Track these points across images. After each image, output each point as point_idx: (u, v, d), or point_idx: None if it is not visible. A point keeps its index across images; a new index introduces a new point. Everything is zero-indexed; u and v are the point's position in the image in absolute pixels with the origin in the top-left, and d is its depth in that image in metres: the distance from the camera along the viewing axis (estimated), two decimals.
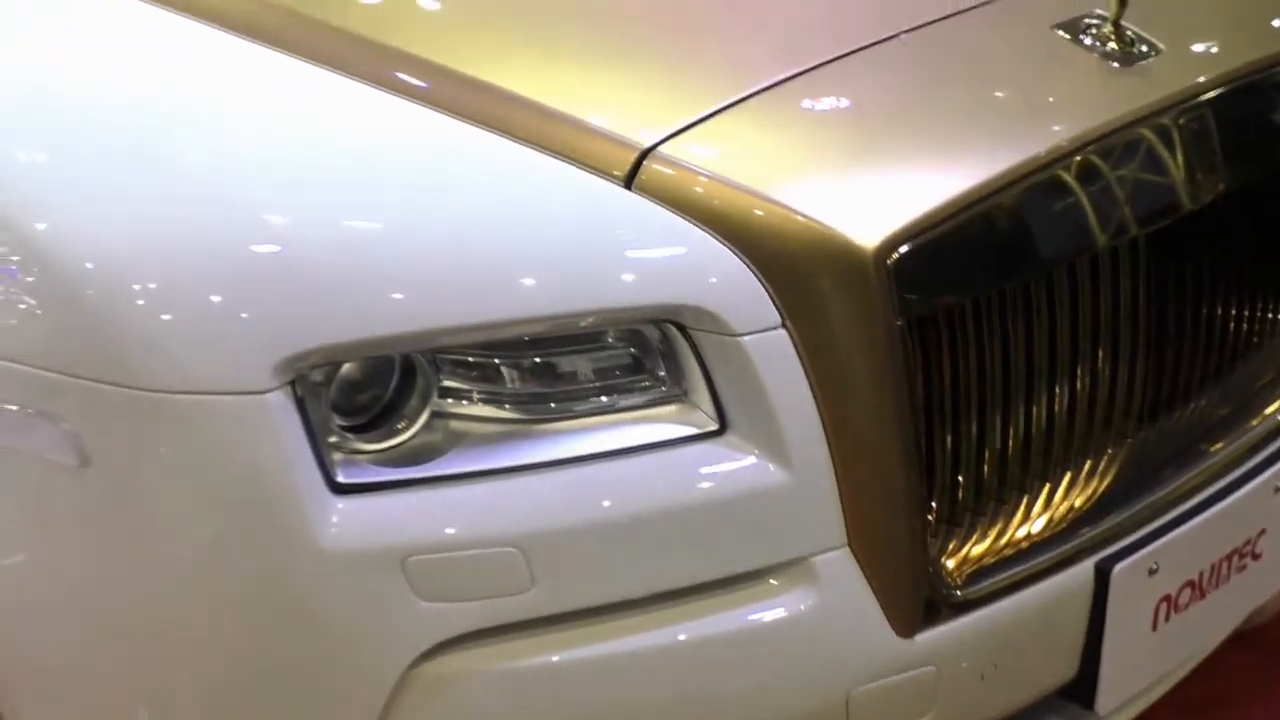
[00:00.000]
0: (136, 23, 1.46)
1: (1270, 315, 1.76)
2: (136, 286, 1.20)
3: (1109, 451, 1.57)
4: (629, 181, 1.31)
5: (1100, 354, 1.51)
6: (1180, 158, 1.48)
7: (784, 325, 1.29)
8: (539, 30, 1.49)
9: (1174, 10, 1.56)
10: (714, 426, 1.32)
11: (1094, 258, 1.46)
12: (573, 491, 1.28)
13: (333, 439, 1.24)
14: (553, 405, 1.31)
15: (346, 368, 1.26)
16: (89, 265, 1.21)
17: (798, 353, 1.30)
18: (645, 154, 1.32)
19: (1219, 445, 1.66)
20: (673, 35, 1.50)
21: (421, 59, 1.40)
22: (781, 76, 1.41)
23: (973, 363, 1.40)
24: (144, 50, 1.44)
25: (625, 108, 1.39)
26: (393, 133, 1.35)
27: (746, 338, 1.29)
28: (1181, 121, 1.48)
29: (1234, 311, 1.68)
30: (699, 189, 1.30)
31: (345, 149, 1.33)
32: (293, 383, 1.21)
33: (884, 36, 1.47)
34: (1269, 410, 1.70)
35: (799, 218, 1.29)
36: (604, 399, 1.32)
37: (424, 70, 1.39)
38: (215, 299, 1.20)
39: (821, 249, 1.29)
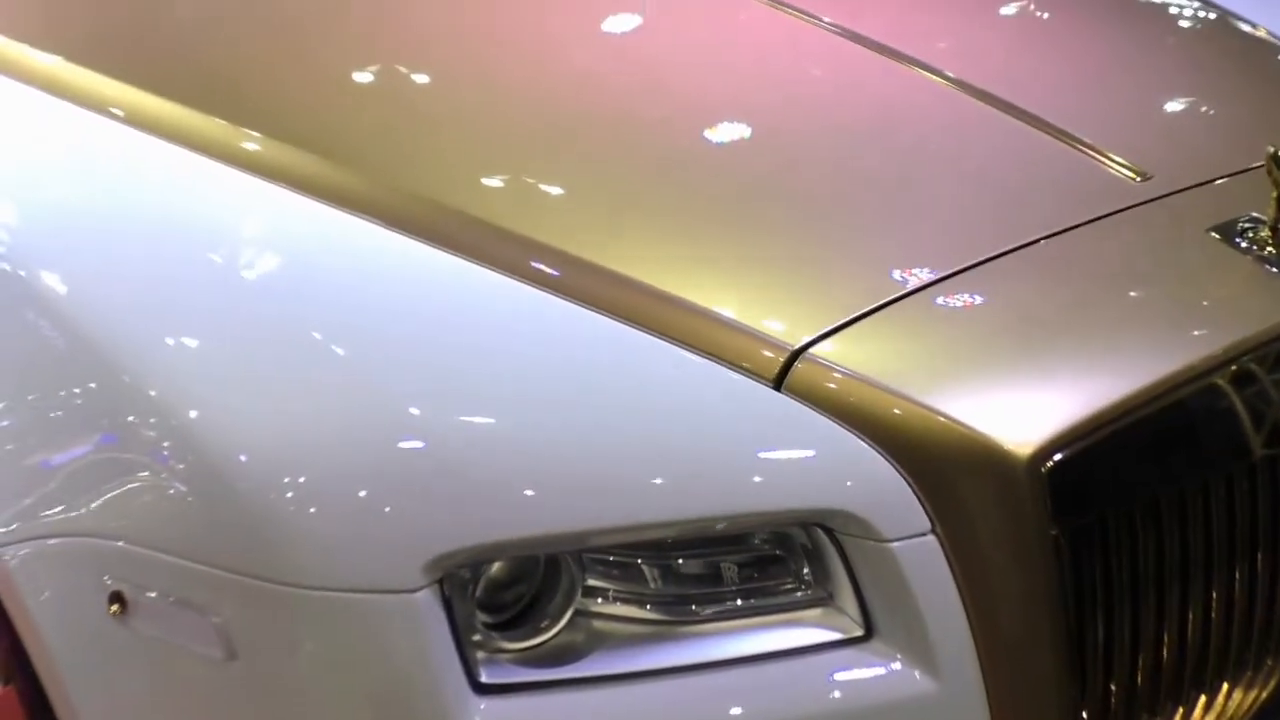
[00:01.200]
0: (279, 208, 1.49)
1: None
2: (286, 480, 1.22)
3: (1270, 660, 1.51)
4: (779, 382, 1.30)
5: (1259, 558, 1.46)
6: None
7: (934, 531, 1.27)
8: (689, 224, 1.50)
9: None
10: (860, 632, 1.29)
11: (1251, 465, 1.42)
12: (715, 698, 1.26)
13: (477, 638, 1.24)
14: (695, 607, 1.29)
15: (494, 566, 1.26)
16: (242, 458, 1.23)
17: (948, 560, 1.27)
18: (796, 355, 1.31)
19: None
20: (824, 231, 1.50)
21: (570, 254, 1.41)
22: (934, 277, 1.40)
23: (1126, 569, 1.36)
24: (286, 235, 1.47)
25: (776, 306, 1.39)
26: (540, 328, 1.36)
27: (895, 544, 1.26)
28: None
29: None
30: (849, 391, 1.29)
31: (492, 344, 1.34)
32: (440, 581, 1.21)
33: (1037, 237, 1.46)
34: None
35: (950, 423, 1.27)
36: (747, 601, 1.30)
37: (572, 265, 1.40)
38: (363, 495, 1.21)
39: (974, 455, 1.27)
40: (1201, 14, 2.14)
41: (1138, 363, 1.37)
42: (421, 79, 1.76)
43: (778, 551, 1.30)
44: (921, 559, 1.27)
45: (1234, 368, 1.39)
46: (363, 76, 1.75)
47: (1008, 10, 2.06)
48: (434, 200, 1.49)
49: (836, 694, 1.27)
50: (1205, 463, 1.41)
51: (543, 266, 1.41)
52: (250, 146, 1.56)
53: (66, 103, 1.63)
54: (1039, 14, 2.08)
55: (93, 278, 1.42)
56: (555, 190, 1.56)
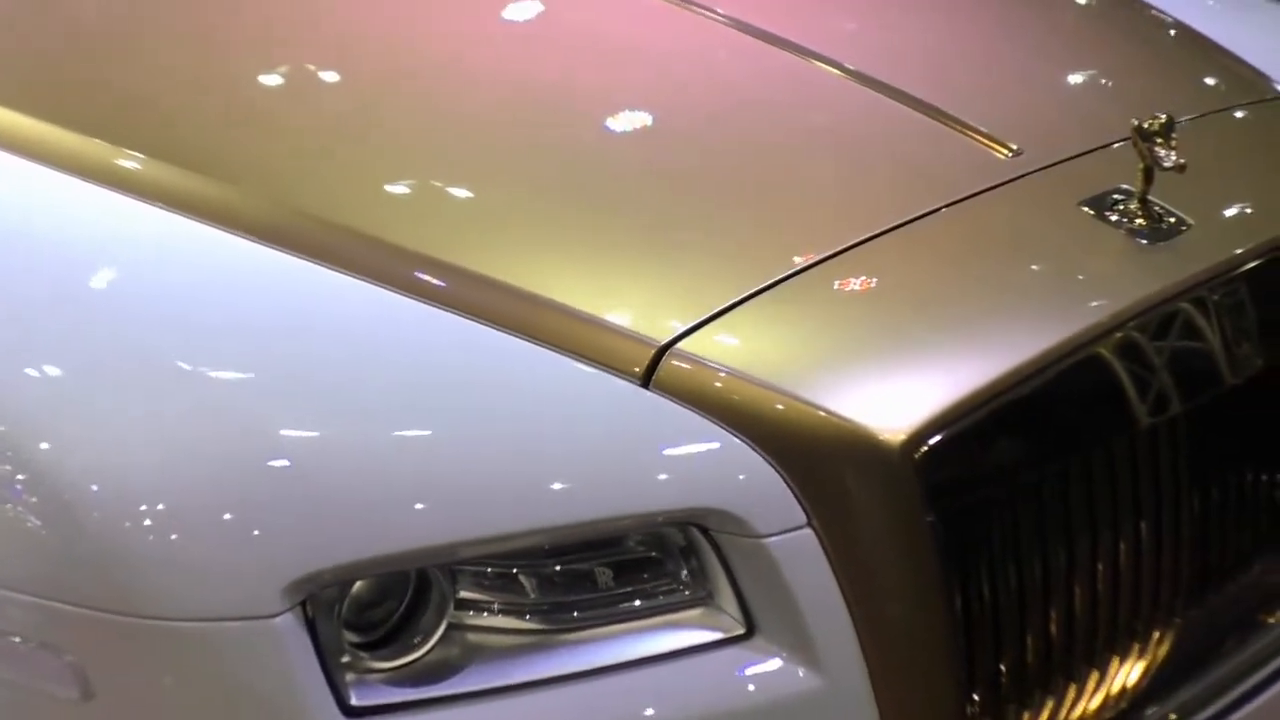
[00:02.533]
0: (134, 224, 1.44)
1: None
2: (143, 508, 1.17)
3: (1158, 631, 1.51)
4: (647, 380, 1.28)
5: (1143, 530, 1.46)
6: (1215, 335, 1.44)
7: (810, 524, 1.25)
8: (560, 223, 1.47)
9: (1203, 183, 1.52)
10: (741, 630, 1.27)
11: (1132, 436, 1.42)
12: (596, 705, 1.23)
13: (345, 659, 1.20)
14: (575, 614, 1.27)
15: (359, 584, 1.22)
16: (94, 488, 1.18)
17: (825, 552, 1.25)
18: (663, 351, 1.29)
19: (1276, 615, 1.60)
20: (695, 223, 1.48)
21: (434, 258, 1.38)
22: (802, 264, 1.38)
23: (1009, 549, 1.35)
24: (142, 252, 1.42)
25: (645, 303, 1.37)
26: (401, 335, 1.33)
27: (771, 539, 1.24)
28: (1214, 298, 1.45)
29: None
30: (719, 386, 1.27)
31: (351, 355, 1.30)
32: (303, 603, 1.17)
33: (905, 219, 1.44)
34: None
35: (822, 413, 1.26)
36: (626, 605, 1.27)
37: (436, 270, 1.37)
38: (223, 519, 1.17)
39: (846, 445, 1.25)
40: None
41: (1011, 341, 1.36)
42: (278, 85, 1.71)
43: (654, 553, 1.28)
44: (798, 553, 1.25)
45: (1109, 341, 1.38)
46: (225, 82, 1.70)
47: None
48: (292, 208, 1.45)
49: (718, 694, 1.26)
50: (1085, 438, 1.40)
51: (405, 272, 1.37)
52: (109, 160, 1.50)
53: None
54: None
55: None
56: (420, 194, 1.53)
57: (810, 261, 1.39)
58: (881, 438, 1.25)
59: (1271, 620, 1.60)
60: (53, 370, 1.29)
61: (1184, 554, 1.50)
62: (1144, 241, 1.45)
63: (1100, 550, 1.42)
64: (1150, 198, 1.47)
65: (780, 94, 1.68)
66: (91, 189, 1.47)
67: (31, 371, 1.29)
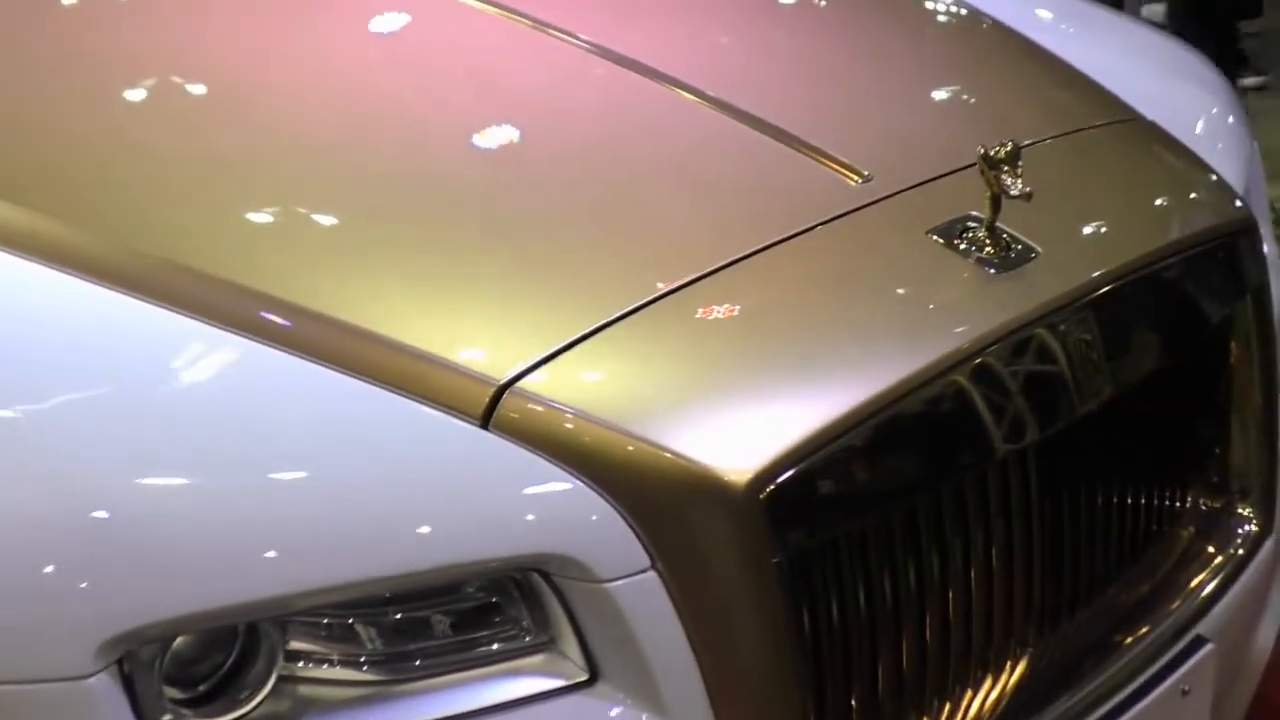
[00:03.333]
0: None
1: (1170, 503, 1.71)
2: None
3: (1012, 659, 1.51)
4: (486, 420, 1.24)
5: (994, 558, 1.45)
6: (1065, 364, 1.43)
7: (654, 567, 1.22)
8: (401, 254, 1.42)
9: (1052, 210, 1.51)
10: (584, 676, 1.24)
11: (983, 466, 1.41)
12: None
13: (167, 718, 1.15)
14: (413, 663, 1.23)
15: (181, 639, 1.17)
16: None
17: (670, 596, 1.22)
18: (502, 390, 1.25)
19: (1129, 639, 1.60)
20: (540, 253, 1.44)
21: (268, 295, 1.32)
22: (647, 298, 1.35)
23: (859, 581, 1.34)
24: None
25: (487, 339, 1.32)
26: (235, 379, 1.28)
27: (613, 584, 1.21)
28: (1063, 327, 1.44)
29: (1131, 501, 1.64)
30: (559, 425, 1.24)
31: (182, 401, 1.25)
32: (120, 661, 1.12)
33: (753, 249, 1.42)
34: (1173, 605, 1.65)
35: (664, 453, 1.22)
36: (466, 653, 1.23)
37: (271, 307, 1.31)
38: (35, 576, 1.11)
39: (689, 486, 1.22)
40: (944, 9, 2.13)
41: (861, 373, 1.34)
42: (109, 112, 1.63)
43: (494, 599, 1.24)
44: (642, 597, 1.22)
45: (959, 372, 1.37)
46: (51, 110, 1.62)
47: (737, 14, 2.02)
48: (119, 243, 1.39)
49: None
50: (936, 471, 1.39)
51: (239, 310, 1.31)
52: None
53: None
54: (769, 16, 2.04)
55: None
56: (259, 227, 1.47)
57: (656, 294, 1.35)
58: (726, 478, 1.22)
59: (1127, 642, 1.60)
60: None
61: (1037, 580, 1.50)
62: (992, 270, 1.44)
63: (951, 579, 1.41)
64: (999, 225, 1.46)
65: (635, 120, 1.65)
66: None
67: None
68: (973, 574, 1.43)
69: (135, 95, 1.67)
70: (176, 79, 1.71)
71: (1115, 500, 1.61)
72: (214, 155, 1.55)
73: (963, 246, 1.45)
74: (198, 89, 1.70)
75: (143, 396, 1.25)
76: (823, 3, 2.21)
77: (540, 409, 1.24)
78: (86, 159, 1.54)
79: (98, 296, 1.32)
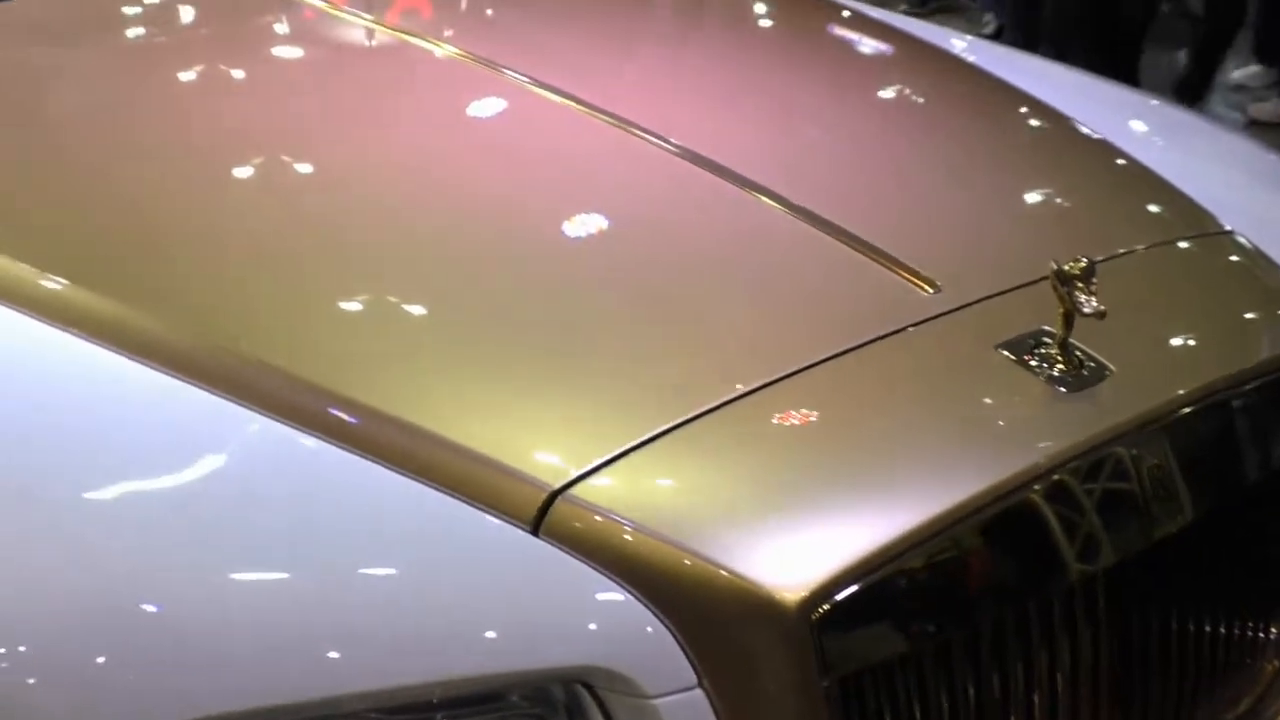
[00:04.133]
0: (36, 350, 1.39)
1: (1253, 634, 1.65)
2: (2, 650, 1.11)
3: None
4: (536, 527, 1.22)
5: (1058, 685, 1.40)
6: (1138, 487, 1.39)
7: (701, 685, 1.19)
8: (458, 351, 1.42)
9: (1130, 326, 1.47)
10: None
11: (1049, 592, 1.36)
12: None
13: None
14: None
15: None
16: None
17: (716, 714, 1.19)
18: (554, 496, 1.23)
19: None
20: (603, 355, 1.42)
21: (326, 389, 1.32)
22: (710, 405, 1.33)
23: (914, 708, 1.29)
24: (35, 381, 1.37)
25: (543, 441, 1.31)
26: (289, 474, 1.27)
27: (660, 700, 1.18)
28: (1136, 450, 1.40)
29: (1210, 629, 1.57)
30: (610, 535, 1.22)
31: (236, 495, 1.25)
32: None
33: (819, 358, 1.39)
34: None
35: (716, 569, 1.20)
36: None
37: (328, 401, 1.31)
38: (83, 666, 1.11)
39: (740, 603, 1.20)
40: (1022, 109, 2.10)
41: (924, 491, 1.31)
42: (176, 201, 1.64)
43: (538, 710, 1.22)
44: (687, 715, 1.19)
45: (1026, 494, 1.33)
46: (136, 198, 1.64)
47: (821, 114, 2.01)
48: (188, 330, 1.40)
49: None
50: (999, 596, 1.35)
51: (297, 403, 1.31)
52: (21, 280, 1.44)
53: None
54: (855, 116, 2.03)
55: None
56: (321, 320, 1.46)
57: (718, 402, 1.33)
58: (777, 596, 1.19)
59: None
60: None
61: (1104, 710, 1.45)
62: (1063, 389, 1.40)
63: (1013, 706, 1.36)
64: (1072, 341, 1.42)
65: (711, 223, 1.63)
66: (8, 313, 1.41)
67: None
68: (1036, 700, 1.38)
69: (218, 183, 1.68)
70: (259, 168, 1.73)
71: (1192, 627, 1.55)
72: (290, 246, 1.56)
73: (1034, 363, 1.42)
74: (279, 178, 1.71)
75: (201, 488, 1.25)
76: (908, 102, 2.19)
77: (592, 517, 1.22)
78: (163, 244, 1.56)
79: (164, 385, 1.33)
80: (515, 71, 1.89)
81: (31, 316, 1.41)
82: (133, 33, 2.15)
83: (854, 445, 1.35)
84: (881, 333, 1.43)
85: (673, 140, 1.74)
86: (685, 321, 1.48)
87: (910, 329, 1.44)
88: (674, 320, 1.48)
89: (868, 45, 2.43)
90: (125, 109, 1.84)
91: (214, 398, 1.32)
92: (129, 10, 2.16)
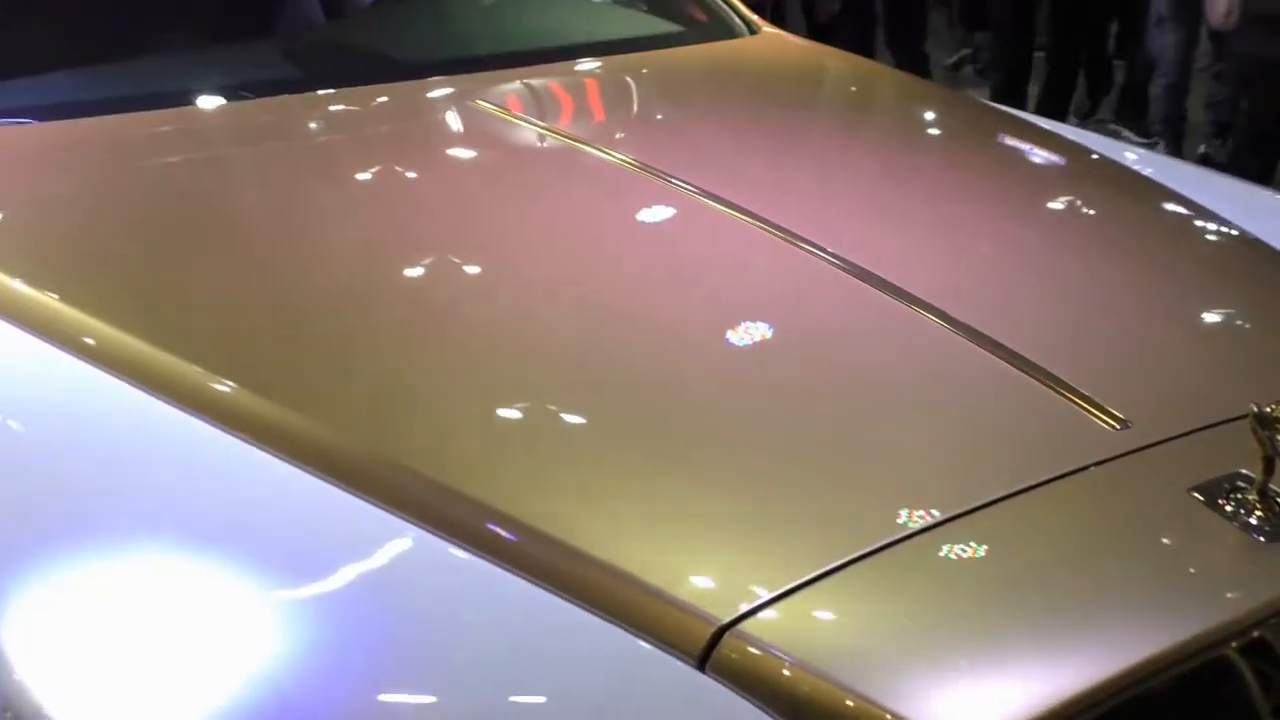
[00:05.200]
0: (216, 455, 1.40)
1: None
2: None
3: None
4: (702, 662, 1.18)
5: None
6: None
7: None
8: (628, 472, 1.38)
9: None
10: None
11: None
12: None
13: None
14: None
15: None
16: None
17: None
18: (722, 630, 1.19)
19: None
20: (775, 481, 1.38)
21: (491, 507, 1.30)
22: (883, 541, 1.28)
23: None
24: (222, 491, 1.38)
25: (710, 572, 1.27)
26: (443, 590, 1.25)
27: None
28: None
29: None
30: (780, 674, 1.17)
31: (394, 611, 1.23)
32: None
33: (999, 494, 1.33)
34: None
35: (884, 713, 1.14)
36: None
37: (485, 515, 1.29)
38: None
39: None
40: (1216, 233, 2.02)
41: (1110, 643, 1.24)
42: (345, 311, 1.65)
43: None
44: None
45: (1220, 649, 1.25)
46: (290, 297, 1.66)
47: (993, 226, 1.96)
48: (350, 439, 1.40)
49: None
50: None
51: (457, 518, 1.29)
52: (201, 386, 1.46)
53: None
54: (1026, 230, 1.98)
55: None
56: (488, 434, 1.44)
57: (894, 538, 1.28)
58: None
59: None
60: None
61: None
62: (1262, 538, 1.32)
63: None
64: (1271, 488, 1.34)
65: (879, 342, 1.59)
66: (175, 413, 1.43)
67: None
68: None
69: (384, 287, 1.68)
70: (425, 274, 1.73)
71: None
72: (453, 354, 1.56)
73: (1228, 508, 1.34)
74: (443, 285, 1.71)
75: (351, 597, 1.25)
76: (1083, 218, 2.12)
77: (759, 654, 1.18)
78: (328, 349, 1.56)
79: (320, 490, 1.33)
80: (682, 181, 1.88)
81: (196, 416, 1.42)
82: (307, 135, 2.18)
83: (1034, 590, 1.28)
84: (1064, 470, 1.37)
85: (841, 255, 1.71)
86: (855, 449, 1.43)
87: (1094, 467, 1.38)
88: (844, 447, 1.43)
89: (1040, 156, 2.38)
90: (295, 212, 1.87)
91: (370, 506, 1.31)
92: (305, 114, 2.19)
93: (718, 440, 1.43)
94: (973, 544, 1.30)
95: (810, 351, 1.58)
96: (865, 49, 6.32)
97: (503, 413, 1.47)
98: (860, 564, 1.26)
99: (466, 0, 2.88)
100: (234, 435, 1.40)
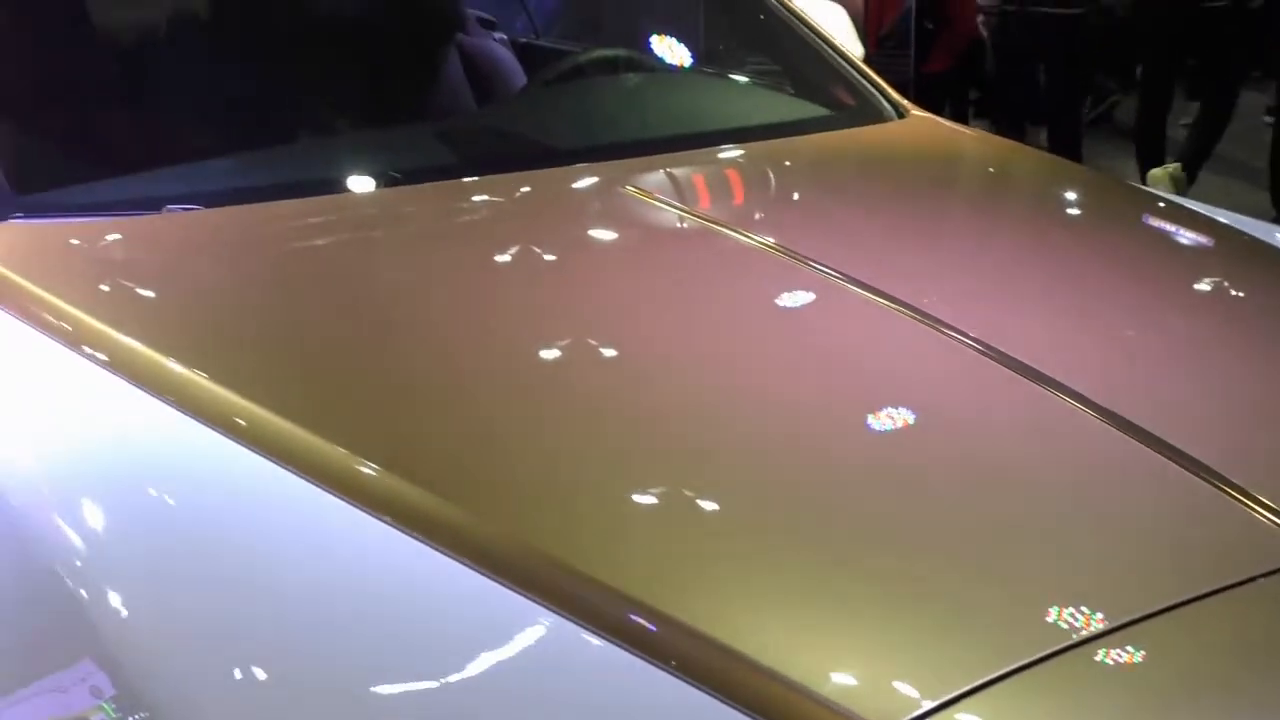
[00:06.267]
0: (368, 544, 1.42)
1: None
2: None
3: None
4: None
5: None
6: None
7: None
8: (777, 566, 1.37)
9: None
10: None
11: None
12: None
13: None
14: None
15: None
16: None
17: None
18: None
19: None
20: (934, 580, 1.35)
21: (639, 601, 1.29)
22: (1048, 649, 1.24)
23: None
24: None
25: (861, 674, 1.25)
26: (586, 682, 1.26)
27: None
28: None
29: None
30: None
31: (514, 692, 1.25)
32: None
33: (1167, 604, 1.30)
34: None
35: None
36: None
37: (627, 606, 1.29)
38: None
39: None
40: None
41: None
42: (498, 394, 1.67)
43: None
44: None
45: None
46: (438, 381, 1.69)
47: (1148, 310, 1.92)
48: (491, 525, 1.41)
49: None
50: None
51: (599, 607, 1.30)
52: (347, 469, 1.48)
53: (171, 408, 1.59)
54: (1182, 315, 1.93)
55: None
56: (629, 519, 1.44)
57: (1059, 646, 1.25)
58: None
59: None
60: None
61: None
62: None
63: None
64: None
65: (1032, 435, 1.56)
66: (320, 494, 1.46)
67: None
68: None
69: (527, 376, 1.70)
70: (568, 360, 1.74)
71: None
72: (598, 442, 1.56)
73: None
74: (587, 372, 1.72)
75: (492, 684, 1.26)
76: (1242, 305, 2.07)
77: None
78: (476, 437, 1.57)
79: (467, 579, 1.34)
80: (822, 265, 1.88)
81: (346, 501, 1.44)
82: (458, 221, 2.22)
83: (1207, 712, 1.24)
84: (1237, 578, 1.33)
85: (987, 341, 1.69)
86: (1012, 548, 1.40)
87: (1271, 575, 1.33)
88: (1000, 546, 1.40)
89: (1195, 241, 2.33)
90: (445, 298, 1.89)
91: (513, 593, 1.32)
92: (457, 200, 2.23)
93: (869, 537, 1.41)
94: (1140, 658, 1.26)
95: (960, 443, 1.55)
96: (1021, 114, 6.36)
97: (643, 500, 1.47)
98: (1022, 674, 1.23)
99: (614, 84, 2.91)
100: (380, 519, 1.41)
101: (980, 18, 6.46)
